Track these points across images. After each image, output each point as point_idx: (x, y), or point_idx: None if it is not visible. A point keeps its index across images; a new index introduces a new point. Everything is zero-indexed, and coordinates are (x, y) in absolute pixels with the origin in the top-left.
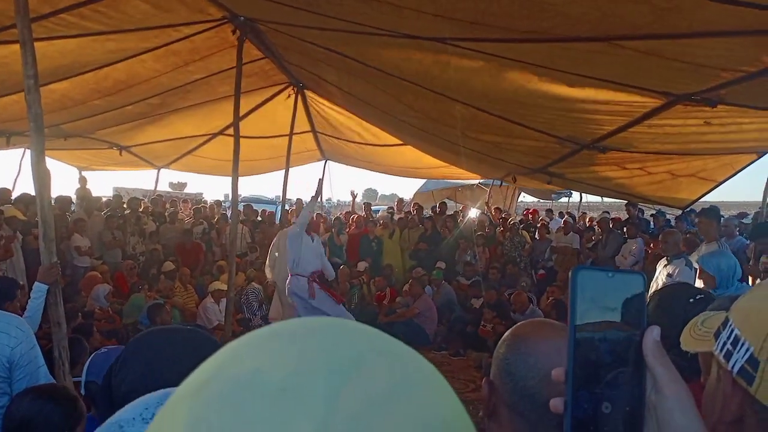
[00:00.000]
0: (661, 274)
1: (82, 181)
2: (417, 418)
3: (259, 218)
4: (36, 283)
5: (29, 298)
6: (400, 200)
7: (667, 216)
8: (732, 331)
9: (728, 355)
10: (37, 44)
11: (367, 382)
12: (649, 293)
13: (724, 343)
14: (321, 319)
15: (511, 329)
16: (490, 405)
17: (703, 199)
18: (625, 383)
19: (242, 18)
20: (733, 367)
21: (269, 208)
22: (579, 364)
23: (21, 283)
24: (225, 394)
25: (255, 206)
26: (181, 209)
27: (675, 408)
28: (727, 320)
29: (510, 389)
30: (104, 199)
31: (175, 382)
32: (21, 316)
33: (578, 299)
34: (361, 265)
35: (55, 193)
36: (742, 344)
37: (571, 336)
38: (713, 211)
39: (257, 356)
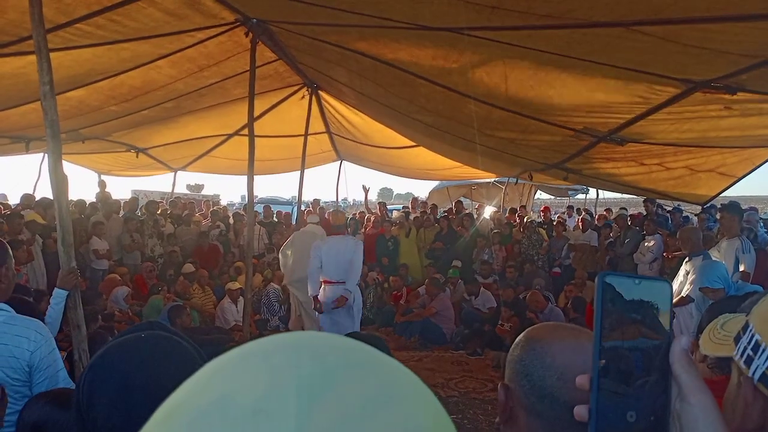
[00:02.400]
0: (681, 271)
1: (102, 184)
2: (390, 429)
3: (275, 219)
4: (55, 290)
5: (50, 302)
6: (414, 199)
7: (685, 212)
8: (753, 336)
9: (749, 361)
10: (53, 54)
11: (339, 397)
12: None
13: (745, 349)
14: (294, 334)
15: (524, 332)
16: (507, 409)
17: (721, 195)
18: (650, 392)
19: (255, 20)
20: (754, 374)
21: (285, 209)
22: (604, 371)
23: (41, 285)
24: (193, 422)
25: (272, 207)
26: (198, 211)
27: (699, 417)
28: (747, 325)
29: (527, 391)
30: (122, 202)
31: (153, 406)
32: (42, 321)
33: (604, 306)
34: (370, 276)
35: (75, 196)
36: (764, 350)
37: (597, 343)
38: (735, 206)
39: (227, 381)
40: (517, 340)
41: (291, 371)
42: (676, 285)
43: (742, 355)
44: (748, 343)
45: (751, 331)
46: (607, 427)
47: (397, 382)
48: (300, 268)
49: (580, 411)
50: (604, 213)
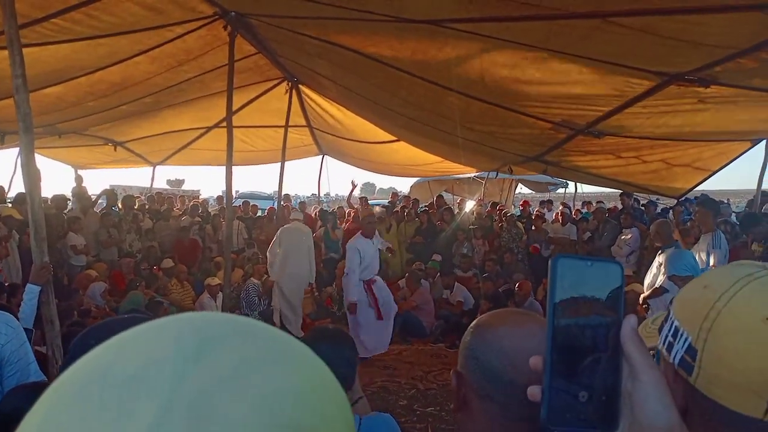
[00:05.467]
0: (654, 264)
1: (79, 179)
2: (264, 390)
3: (258, 214)
4: (28, 285)
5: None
6: (395, 194)
7: (660, 206)
8: (673, 322)
9: (670, 347)
10: (30, 49)
11: (215, 362)
12: (645, 284)
13: (666, 336)
14: (184, 314)
15: (475, 321)
16: (460, 396)
17: (698, 188)
18: (601, 372)
19: (233, 13)
20: (674, 359)
21: (266, 204)
22: (557, 351)
23: (16, 281)
24: (76, 389)
25: (252, 202)
26: (177, 206)
27: (650, 394)
28: (669, 313)
29: (477, 374)
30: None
31: None
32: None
33: (557, 287)
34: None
35: (51, 192)
36: (681, 334)
37: (550, 323)
38: (710, 201)
39: (111, 354)
40: (468, 328)
41: (171, 342)
42: (649, 278)
43: (664, 343)
44: (669, 329)
45: (671, 318)
46: (559, 407)
47: (276, 348)
48: (291, 264)
49: (533, 391)
50: (578, 208)
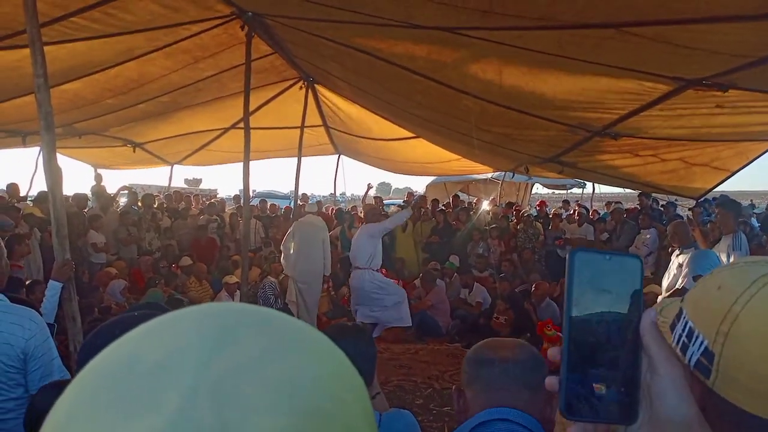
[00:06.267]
0: (673, 265)
1: (98, 178)
2: (285, 377)
3: (275, 213)
4: (50, 281)
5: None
6: (410, 194)
7: (678, 207)
8: (686, 323)
9: (684, 348)
10: (49, 47)
11: (237, 351)
12: (663, 285)
13: (680, 336)
14: (204, 305)
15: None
16: (459, 405)
17: (717, 189)
18: (619, 365)
19: (250, 13)
20: (690, 361)
21: (284, 204)
22: (574, 344)
23: (38, 278)
24: (102, 377)
25: (269, 201)
26: (193, 205)
27: (669, 387)
28: (681, 312)
29: (468, 371)
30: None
31: None
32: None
33: (575, 281)
34: None
35: (72, 190)
36: (697, 337)
37: (567, 316)
38: (731, 202)
39: (135, 344)
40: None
41: (194, 331)
42: (667, 279)
43: (678, 343)
44: (683, 330)
45: (684, 318)
46: (577, 398)
47: (296, 336)
48: (303, 259)
49: (551, 381)
50: (595, 209)
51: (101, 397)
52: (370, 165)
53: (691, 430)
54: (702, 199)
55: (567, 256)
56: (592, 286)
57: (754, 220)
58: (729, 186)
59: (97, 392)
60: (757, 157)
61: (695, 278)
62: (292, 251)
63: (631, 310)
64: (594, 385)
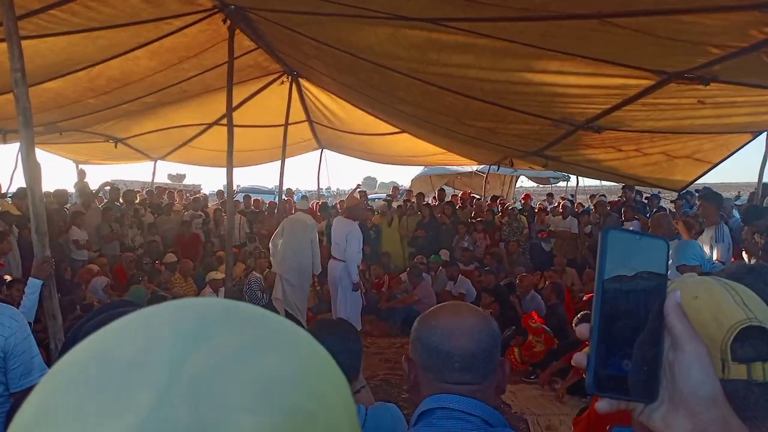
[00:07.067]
0: None
1: (81, 174)
2: (263, 374)
3: (260, 209)
4: (30, 279)
5: (24, 291)
6: (395, 188)
7: (661, 198)
8: None
9: None
10: (28, 42)
11: (214, 348)
12: None
13: None
14: (181, 300)
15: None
16: (411, 378)
17: (699, 181)
18: (644, 343)
19: (233, 6)
20: None
21: (268, 199)
22: (604, 321)
23: (17, 276)
24: (71, 376)
25: (253, 196)
26: (176, 200)
27: (694, 363)
28: None
29: (420, 351)
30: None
31: None
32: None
33: (607, 258)
34: None
35: (53, 187)
36: None
37: (598, 291)
38: (713, 194)
39: (108, 340)
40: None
41: (169, 327)
42: None
43: None
44: None
45: None
46: (605, 374)
47: (275, 332)
48: (290, 256)
49: (579, 358)
50: (580, 202)
51: (71, 396)
52: (354, 157)
53: (716, 404)
54: (684, 192)
55: (600, 234)
56: (623, 265)
57: (735, 212)
58: (713, 178)
59: (67, 391)
60: (738, 149)
61: (678, 268)
62: (279, 249)
63: (657, 290)
64: (621, 361)
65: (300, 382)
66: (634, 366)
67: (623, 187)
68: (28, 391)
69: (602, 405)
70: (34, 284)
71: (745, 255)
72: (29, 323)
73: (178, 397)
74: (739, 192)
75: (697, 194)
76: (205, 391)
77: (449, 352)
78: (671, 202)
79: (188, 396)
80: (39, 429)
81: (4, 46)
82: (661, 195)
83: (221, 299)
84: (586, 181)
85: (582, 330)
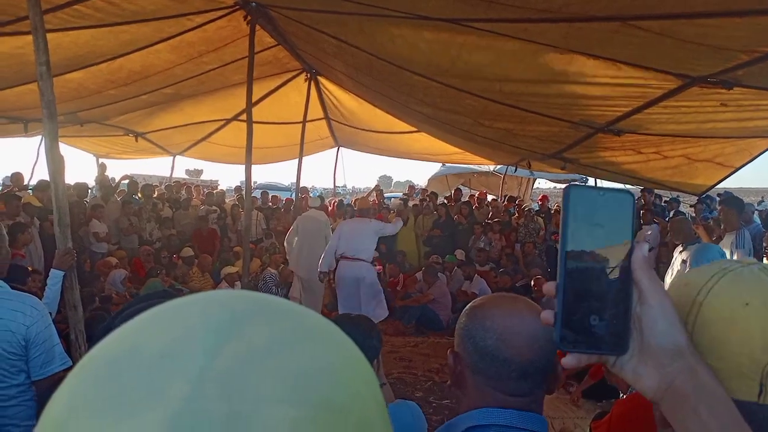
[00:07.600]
0: (676, 261)
1: (102, 167)
2: (296, 367)
3: (276, 205)
4: (52, 270)
5: (46, 282)
6: (411, 187)
7: (681, 203)
8: None
9: None
10: (51, 35)
11: (246, 339)
12: (665, 281)
13: None
14: (207, 292)
15: (469, 304)
16: (456, 372)
17: (719, 186)
18: (611, 297)
19: (254, 4)
20: None
21: (285, 196)
22: (569, 278)
23: (38, 267)
24: (102, 368)
25: (270, 193)
26: (194, 195)
27: (659, 316)
28: None
29: (471, 352)
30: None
31: None
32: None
33: (570, 216)
34: None
35: (74, 179)
36: None
37: (562, 249)
38: (734, 199)
39: (138, 333)
40: (463, 311)
41: (200, 319)
42: (671, 275)
43: None
44: None
45: None
46: (571, 330)
47: (306, 325)
48: (306, 255)
49: (546, 315)
50: None
51: (103, 388)
52: (371, 154)
53: (682, 356)
54: (704, 196)
55: (563, 191)
56: (587, 221)
57: (756, 217)
58: (734, 182)
59: (98, 383)
60: (761, 154)
61: None
62: (294, 246)
63: (623, 244)
64: (587, 316)
65: (332, 375)
66: (603, 320)
67: (642, 190)
68: (49, 379)
69: (569, 360)
70: (56, 275)
71: (766, 261)
72: (50, 313)
73: (212, 389)
74: (762, 197)
75: (717, 198)
76: (237, 382)
77: (506, 359)
78: (691, 206)
79: (221, 387)
80: (71, 422)
81: (27, 38)
82: (680, 199)
83: (251, 292)
84: (604, 184)
85: (549, 287)
